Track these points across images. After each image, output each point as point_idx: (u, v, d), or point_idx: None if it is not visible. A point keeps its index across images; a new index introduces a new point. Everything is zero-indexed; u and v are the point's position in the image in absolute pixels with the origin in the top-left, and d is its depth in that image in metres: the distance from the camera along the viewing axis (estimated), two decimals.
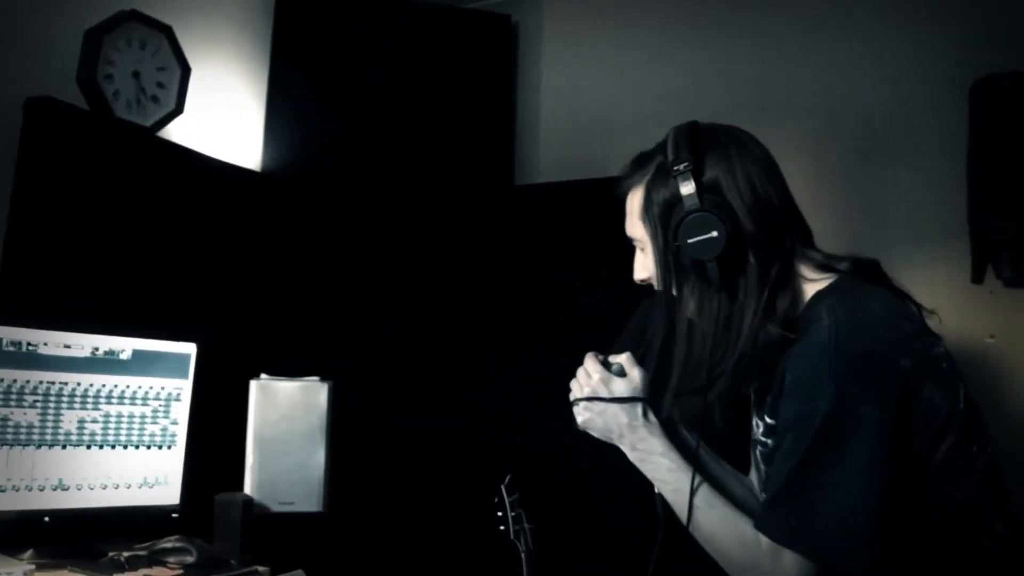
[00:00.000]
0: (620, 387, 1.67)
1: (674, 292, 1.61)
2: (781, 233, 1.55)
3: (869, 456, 1.35)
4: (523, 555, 2.67)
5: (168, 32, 2.79)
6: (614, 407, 1.66)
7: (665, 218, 1.57)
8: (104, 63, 2.59)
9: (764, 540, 1.43)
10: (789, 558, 1.40)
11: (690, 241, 1.50)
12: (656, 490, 1.65)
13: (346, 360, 2.90)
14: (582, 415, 1.70)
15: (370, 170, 3.28)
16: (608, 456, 3.09)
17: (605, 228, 3.22)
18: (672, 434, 1.67)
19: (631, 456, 1.67)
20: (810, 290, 1.55)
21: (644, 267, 1.67)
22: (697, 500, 1.56)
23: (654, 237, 1.60)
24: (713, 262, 1.50)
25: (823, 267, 1.57)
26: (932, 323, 1.53)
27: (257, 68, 3.28)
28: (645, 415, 1.66)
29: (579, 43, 3.72)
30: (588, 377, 1.69)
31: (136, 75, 2.70)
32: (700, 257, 1.50)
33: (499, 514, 2.71)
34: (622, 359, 1.71)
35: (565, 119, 3.69)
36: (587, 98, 3.65)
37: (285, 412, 2.58)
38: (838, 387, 1.36)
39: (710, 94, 3.35)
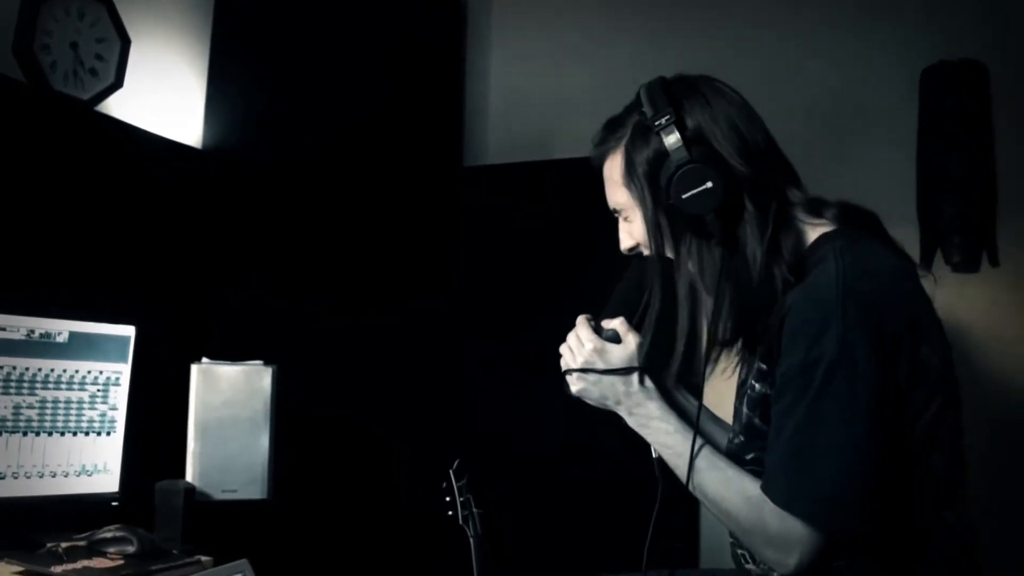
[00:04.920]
0: (615, 356, 1.63)
1: (669, 254, 1.56)
2: (772, 172, 1.51)
3: (871, 412, 1.34)
4: (471, 540, 2.65)
5: (107, 2, 2.69)
6: (609, 377, 1.62)
7: (652, 177, 1.51)
8: (41, 33, 2.49)
9: (769, 501, 1.41)
10: (795, 519, 1.38)
11: (684, 196, 1.45)
12: (654, 453, 1.62)
13: (290, 343, 2.85)
14: (576, 385, 1.66)
15: (314, 150, 3.20)
16: (557, 442, 3.09)
17: (556, 210, 3.24)
18: (670, 397, 1.65)
19: (629, 421, 1.64)
20: (812, 232, 1.52)
21: (630, 234, 1.62)
22: (700, 463, 1.52)
23: (641, 200, 1.55)
24: (712, 214, 1.45)
25: (814, 210, 1.53)
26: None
27: (198, 43, 3.18)
28: (641, 381, 1.62)
29: (529, 23, 3.69)
30: (581, 345, 1.65)
31: (74, 46, 2.59)
32: (697, 211, 1.45)
33: (447, 499, 2.69)
34: (616, 324, 1.66)
35: (514, 100, 3.66)
36: (537, 79, 3.63)
37: (228, 397, 2.52)
38: (845, 333, 1.33)
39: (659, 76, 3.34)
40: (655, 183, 1.51)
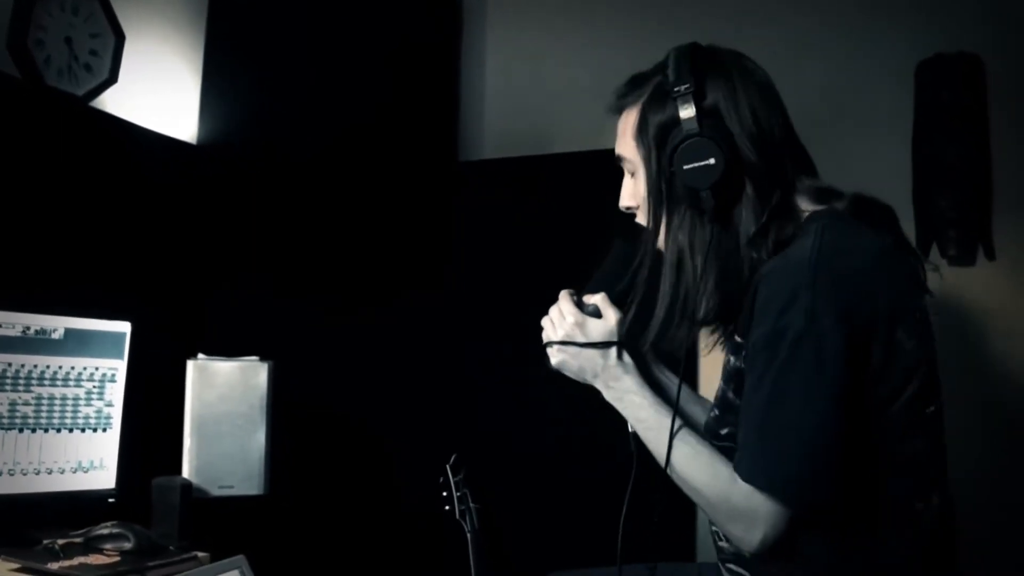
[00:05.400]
0: (595, 330, 1.64)
1: (663, 220, 1.57)
2: (781, 164, 1.51)
3: (836, 386, 1.35)
4: (468, 535, 2.65)
5: None
6: (588, 350, 1.64)
7: (660, 142, 1.53)
8: (35, 28, 2.48)
9: (739, 477, 1.42)
10: (760, 495, 1.39)
11: (685, 168, 1.47)
12: (630, 428, 1.63)
13: (287, 339, 2.84)
14: (556, 357, 1.68)
15: (309, 145, 3.18)
16: (552, 435, 3.09)
17: (552, 206, 3.24)
18: (648, 373, 1.66)
19: (606, 395, 1.65)
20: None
21: (632, 194, 1.64)
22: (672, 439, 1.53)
23: (647, 161, 1.57)
24: (708, 191, 1.46)
25: (823, 199, 1.54)
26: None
27: (193, 38, 3.17)
28: (620, 356, 1.63)
29: (525, 17, 3.67)
30: (562, 318, 1.66)
31: (68, 41, 2.59)
32: (694, 185, 1.47)
33: (444, 494, 2.69)
34: (597, 299, 1.68)
35: (510, 94, 3.65)
36: (533, 73, 3.62)
37: (224, 393, 2.51)
38: (813, 303, 1.34)
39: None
40: (662, 148, 1.52)
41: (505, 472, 3.08)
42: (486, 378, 3.26)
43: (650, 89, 1.57)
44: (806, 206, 1.54)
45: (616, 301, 1.68)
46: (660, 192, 1.56)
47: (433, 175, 3.37)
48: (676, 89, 1.49)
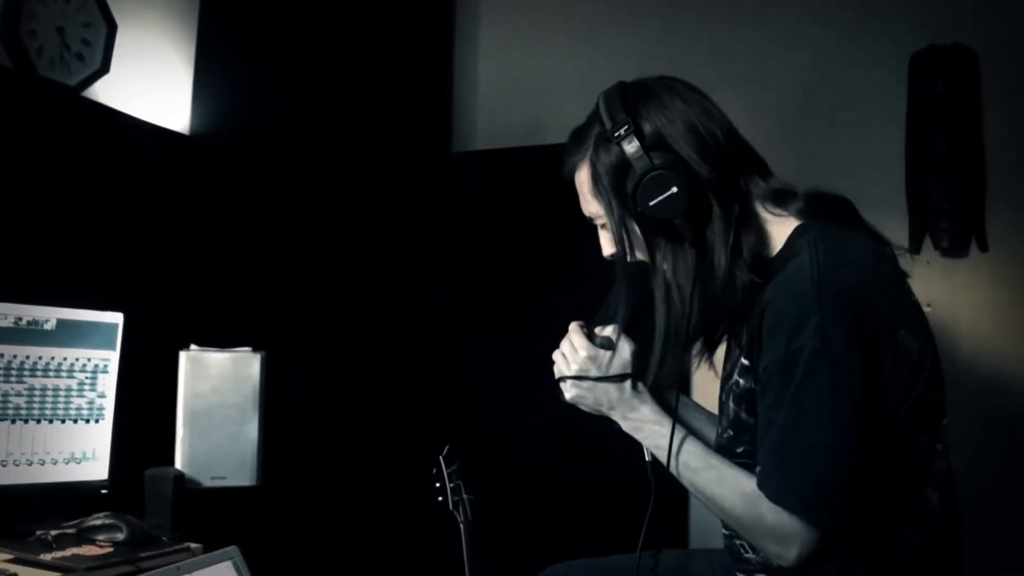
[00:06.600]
0: (608, 362, 1.64)
1: (643, 257, 1.59)
2: (735, 170, 1.52)
3: (854, 403, 1.36)
4: (461, 525, 2.66)
5: None
6: (604, 383, 1.64)
7: (618, 187, 1.53)
8: (27, 18, 2.47)
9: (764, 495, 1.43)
10: (789, 515, 1.40)
11: (652, 203, 1.47)
12: (647, 456, 1.64)
13: (280, 330, 2.84)
14: (570, 391, 1.68)
15: (302, 136, 3.18)
16: (549, 430, 3.08)
17: (545, 197, 3.21)
18: (661, 399, 1.66)
19: (624, 426, 1.65)
20: (777, 226, 1.54)
21: (611, 242, 1.63)
22: (697, 463, 1.55)
23: (608, 209, 1.57)
24: (681, 218, 1.47)
25: (780, 201, 1.55)
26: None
27: (185, 28, 3.15)
28: (634, 387, 1.64)
29: (520, 7, 3.67)
30: (575, 352, 1.66)
31: (60, 31, 2.58)
32: (667, 216, 1.47)
33: (437, 485, 2.69)
34: (609, 331, 1.68)
35: (504, 85, 3.64)
36: (526, 64, 3.62)
37: (216, 384, 2.50)
38: (823, 324, 1.35)
39: (649, 63, 3.30)
40: (621, 192, 1.53)
41: (499, 463, 3.08)
42: (479, 369, 3.26)
43: (592, 141, 1.57)
44: (766, 211, 1.55)
45: (626, 331, 1.68)
46: (629, 234, 1.57)
47: (426, 166, 3.36)
48: (616, 133, 1.49)
